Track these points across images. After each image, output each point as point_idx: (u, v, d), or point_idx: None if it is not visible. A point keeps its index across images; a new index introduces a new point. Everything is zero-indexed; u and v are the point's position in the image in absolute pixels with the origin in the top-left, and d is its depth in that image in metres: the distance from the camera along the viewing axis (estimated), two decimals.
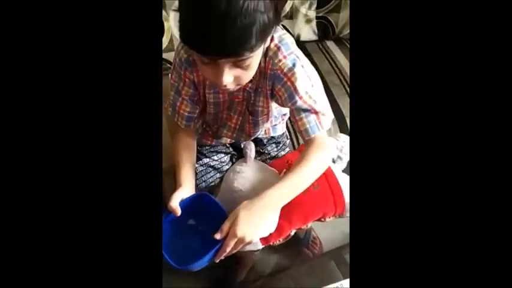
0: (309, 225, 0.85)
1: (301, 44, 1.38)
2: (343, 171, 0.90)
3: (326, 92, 1.22)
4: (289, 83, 0.74)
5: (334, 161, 0.87)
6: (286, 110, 0.95)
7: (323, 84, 1.28)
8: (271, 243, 0.81)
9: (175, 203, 0.72)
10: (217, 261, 0.69)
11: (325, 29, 1.35)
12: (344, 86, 1.22)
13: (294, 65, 0.73)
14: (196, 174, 0.94)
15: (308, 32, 1.35)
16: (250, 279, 1.08)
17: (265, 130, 0.98)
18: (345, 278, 0.83)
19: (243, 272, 1.08)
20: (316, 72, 0.80)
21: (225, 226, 0.68)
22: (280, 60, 0.73)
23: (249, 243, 0.69)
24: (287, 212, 0.78)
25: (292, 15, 1.31)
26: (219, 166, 0.98)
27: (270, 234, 0.77)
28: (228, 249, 0.67)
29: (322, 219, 0.84)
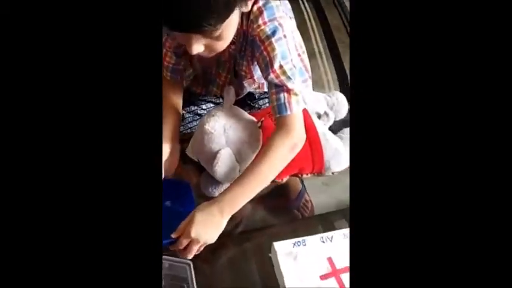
0: (284, 179, 0.82)
1: None
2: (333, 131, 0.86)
3: (332, 48, 1.18)
4: (265, 53, 0.69)
5: (319, 117, 0.84)
6: None
7: (330, 39, 1.23)
8: None
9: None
10: (172, 249, 0.69)
11: None
12: None
13: (273, 33, 0.68)
14: (183, 120, 0.94)
15: None
16: (237, 231, 1.09)
17: (258, 84, 0.95)
18: None
19: (229, 224, 1.09)
20: (302, 43, 0.75)
21: (182, 225, 0.67)
22: (259, 26, 0.68)
23: (204, 244, 0.68)
24: None
25: None
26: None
27: None
28: (181, 247, 0.67)
29: (299, 175, 0.82)
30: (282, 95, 0.69)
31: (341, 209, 0.98)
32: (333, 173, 0.83)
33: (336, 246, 0.70)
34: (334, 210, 1.05)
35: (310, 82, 0.76)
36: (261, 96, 0.99)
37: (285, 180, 0.82)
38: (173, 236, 0.68)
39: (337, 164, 0.80)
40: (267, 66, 0.69)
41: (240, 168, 0.74)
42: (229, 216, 0.71)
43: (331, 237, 0.71)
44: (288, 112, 0.70)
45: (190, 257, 0.69)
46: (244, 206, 1.00)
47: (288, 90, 0.69)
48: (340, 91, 1.04)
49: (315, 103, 0.86)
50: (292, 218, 1.04)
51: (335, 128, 0.90)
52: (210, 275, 0.73)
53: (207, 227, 0.68)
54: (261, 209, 1.11)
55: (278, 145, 0.70)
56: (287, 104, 0.69)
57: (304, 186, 1.11)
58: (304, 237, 0.70)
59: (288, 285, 0.64)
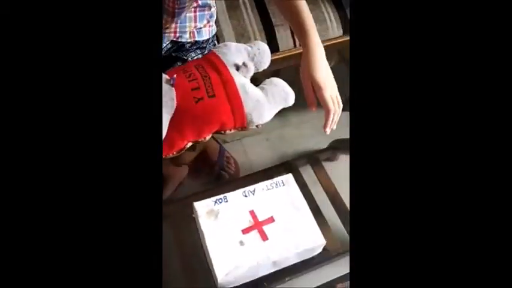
0: (207, 137, 0.79)
1: None
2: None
3: None
4: None
5: (238, 68, 0.80)
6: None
7: None
8: (163, 157, 0.76)
9: None
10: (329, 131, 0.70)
11: None
12: None
13: None
14: None
15: None
16: (179, 196, 1.07)
17: (189, 33, 0.90)
18: None
19: (169, 189, 1.06)
20: None
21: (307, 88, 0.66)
22: None
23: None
24: (177, 123, 0.73)
25: None
26: None
27: None
28: (330, 102, 0.67)
29: (222, 132, 0.79)
30: None
31: (284, 162, 0.98)
32: (257, 126, 0.80)
33: (258, 199, 0.68)
34: (278, 163, 1.04)
35: None
36: (193, 47, 0.94)
37: (208, 138, 0.79)
38: (312, 108, 0.68)
39: (259, 116, 0.78)
40: None
41: None
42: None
43: (254, 190, 0.69)
44: None
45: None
46: (177, 172, 0.97)
47: None
48: (268, 43, 1.00)
49: (234, 54, 0.82)
50: (218, 178, 1.03)
51: (260, 79, 0.87)
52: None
53: (322, 65, 0.68)
54: (188, 178, 1.09)
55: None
56: None
57: (221, 144, 1.09)
58: (226, 194, 0.69)
59: (208, 243, 0.62)
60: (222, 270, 0.60)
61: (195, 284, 0.70)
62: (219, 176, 1.02)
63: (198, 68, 0.77)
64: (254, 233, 0.64)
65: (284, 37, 1.06)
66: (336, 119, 0.69)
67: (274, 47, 1.04)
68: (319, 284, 0.69)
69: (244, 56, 0.84)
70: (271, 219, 0.66)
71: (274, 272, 0.65)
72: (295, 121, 1.01)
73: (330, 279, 0.69)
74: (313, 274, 0.73)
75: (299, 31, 0.68)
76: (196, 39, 0.92)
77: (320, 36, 1.08)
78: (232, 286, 0.63)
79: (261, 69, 0.88)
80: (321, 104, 0.66)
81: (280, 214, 0.66)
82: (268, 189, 0.70)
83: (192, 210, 0.70)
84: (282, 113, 0.83)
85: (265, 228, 0.64)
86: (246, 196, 0.69)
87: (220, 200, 0.67)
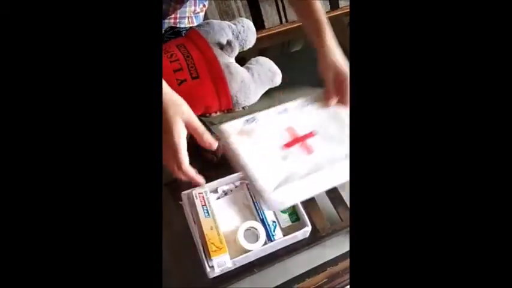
0: None
1: None
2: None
3: None
4: None
5: (222, 48, 0.76)
6: None
7: None
8: None
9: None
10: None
11: None
12: None
13: None
14: None
15: None
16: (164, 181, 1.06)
17: (188, 18, 0.87)
18: None
19: None
20: None
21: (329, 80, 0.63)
22: None
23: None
24: None
25: None
26: None
27: None
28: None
29: (207, 115, 0.76)
30: None
31: None
32: (243, 108, 0.77)
33: (292, 116, 0.64)
34: None
35: None
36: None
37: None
38: (331, 102, 0.63)
39: (245, 97, 0.75)
40: None
41: None
42: None
43: (285, 109, 0.65)
44: None
45: None
46: None
47: None
48: (253, 20, 0.97)
49: (218, 33, 0.78)
50: (207, 161, 1.00)
51: (247, 58, 0.84)
52: None
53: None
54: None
55: None
56: None
57: (208, 127, 1.05)
58: (253, 114, 0.63)
59: (245, 160, 0.56)
60: (269, 185, 0.53)
61: (183, 266, 0.68)
62: (207, 160, 1.00)
63: (180, 47, 0.74)
64: (297, 147, 0.59)
65: (270, 13, 1.01)
66: None
67: (259, 24, 1.00)
68: (310, 267, 0.68)
69: (228, 34, 0.80)
70: (312, 134, 0.61)
71: (264, 256, 0.64)
72: (284, 101, 0.98)
73: (322, 261, 0.68)
74: (302, 256, 0.73)
75: (315, 30, 0.66)
76: (194, 24, 0.89)
77: None
78: (227, 267, 0.60)
79: (246, 48, 0.85)
80: (343, 91, 0.64)
81: (322, 127, 0.62)
82: (303, 106, 0.65)
83: (179, 197, 0.67)
84: (270, 93, 0.81)
85: (309, 141, 0.60)
86: (279, 113, 0.64)
87: (250, 120, 0.62)
